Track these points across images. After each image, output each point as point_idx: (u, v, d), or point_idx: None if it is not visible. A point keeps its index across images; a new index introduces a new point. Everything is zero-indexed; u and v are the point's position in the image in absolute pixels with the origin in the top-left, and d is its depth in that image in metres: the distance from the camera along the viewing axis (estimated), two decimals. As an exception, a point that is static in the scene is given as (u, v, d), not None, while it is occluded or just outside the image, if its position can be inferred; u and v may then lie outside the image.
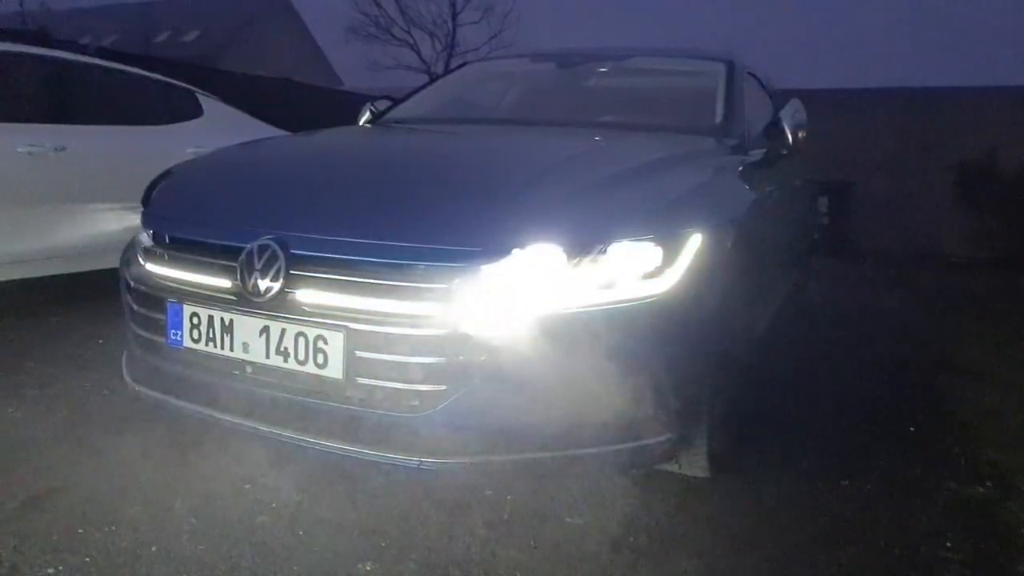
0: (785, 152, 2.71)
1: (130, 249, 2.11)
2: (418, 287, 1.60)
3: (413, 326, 1.58)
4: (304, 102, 9.78)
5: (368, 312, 1.61)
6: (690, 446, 1.90)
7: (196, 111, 4.72)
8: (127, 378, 2.03)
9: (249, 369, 1.72)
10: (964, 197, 8.30)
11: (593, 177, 1.89)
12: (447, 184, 1.93)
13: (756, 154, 2.62)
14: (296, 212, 1.82)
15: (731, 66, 3.02)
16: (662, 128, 2.65)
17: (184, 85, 4.84)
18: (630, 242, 1.67)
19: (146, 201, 2.13)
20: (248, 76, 10.79)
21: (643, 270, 1.67)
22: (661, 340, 1.67)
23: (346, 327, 1.61)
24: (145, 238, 2.02)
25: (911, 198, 8.63)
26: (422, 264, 1.61)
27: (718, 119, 2.69)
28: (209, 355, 1.77)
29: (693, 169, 2.16)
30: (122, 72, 4.43)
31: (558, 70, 3.46)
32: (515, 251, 1.60)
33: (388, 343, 1.59)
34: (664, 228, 1.73)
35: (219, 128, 4.59)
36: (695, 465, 2.01)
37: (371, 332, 1.60)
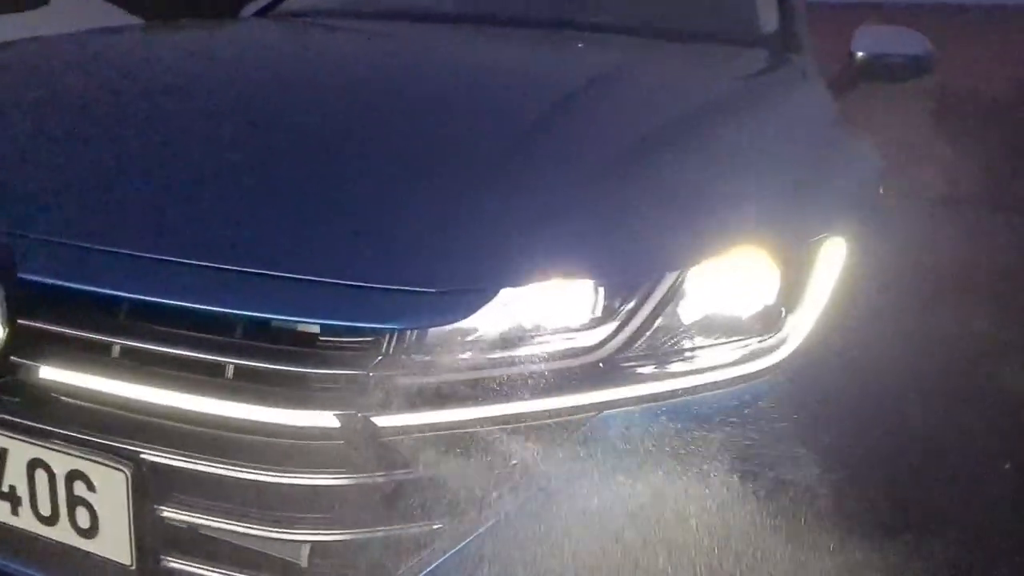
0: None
1: None
2: (316, 367, 0.75)
3: (286, 460, 0.74)
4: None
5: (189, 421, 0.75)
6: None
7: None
8: None
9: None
10: None
11: (628, 144, 1.05)
12: (382, 167, 1.02)
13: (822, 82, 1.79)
14: (43, 196, 0.89)
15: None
16: (696, 35, 1.79)
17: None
18: (717, 264, 0.86)
19: None
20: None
21: (749, 314, 0.86)
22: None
23: (135, 456, 0.75)
24: None
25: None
26: (332, 320, 0.75)
27: (774, 26, 1.84)
28: None
29: (778, 114, 1.32)
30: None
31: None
32: (503, 293, 0.76)
33: (237, 489, 0.75)
34: (784, 233, 0.91)
35: (67, 18, 3.50)
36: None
37: (191, 468, 0.74)
